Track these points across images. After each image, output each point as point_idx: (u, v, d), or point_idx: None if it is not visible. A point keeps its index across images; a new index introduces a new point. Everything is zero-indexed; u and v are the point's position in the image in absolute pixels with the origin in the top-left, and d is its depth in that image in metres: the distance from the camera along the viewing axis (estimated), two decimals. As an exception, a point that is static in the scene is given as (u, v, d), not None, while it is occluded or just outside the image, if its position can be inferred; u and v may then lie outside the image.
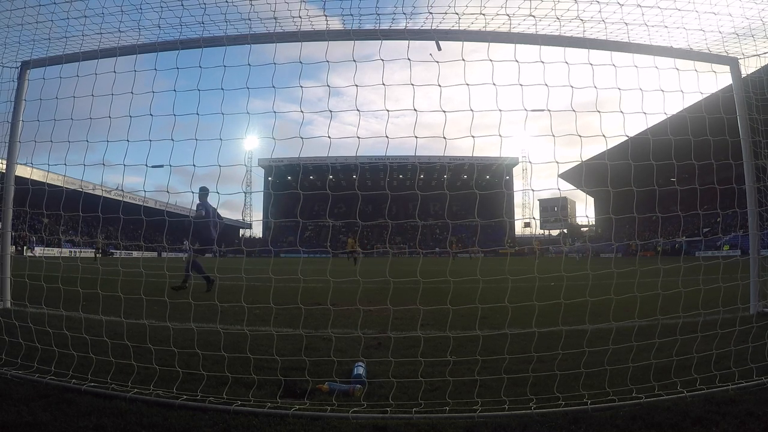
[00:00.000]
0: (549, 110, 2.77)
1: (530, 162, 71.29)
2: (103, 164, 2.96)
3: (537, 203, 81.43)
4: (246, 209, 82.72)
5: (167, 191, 2.94)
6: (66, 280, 3.06)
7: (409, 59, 2.78)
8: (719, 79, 3.52)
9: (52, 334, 2.84)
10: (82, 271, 3.31)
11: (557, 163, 2.77)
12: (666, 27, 3.51)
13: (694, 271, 3.37)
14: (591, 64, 2.86)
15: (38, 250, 31.28)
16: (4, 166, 4.54)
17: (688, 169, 3.28)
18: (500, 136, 2.74)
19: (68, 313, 3.12)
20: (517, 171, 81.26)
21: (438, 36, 3.29)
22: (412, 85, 2.66)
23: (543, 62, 2.76)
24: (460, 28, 3.28)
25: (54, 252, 34.51)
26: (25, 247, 28.48)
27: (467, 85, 2.66)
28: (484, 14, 3.15)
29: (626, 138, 2.83)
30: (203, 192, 7.26)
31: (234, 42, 3.28)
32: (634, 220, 2.94)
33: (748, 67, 4.40)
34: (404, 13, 3.25)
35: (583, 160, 3.13)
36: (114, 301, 3.04)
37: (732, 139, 3.36)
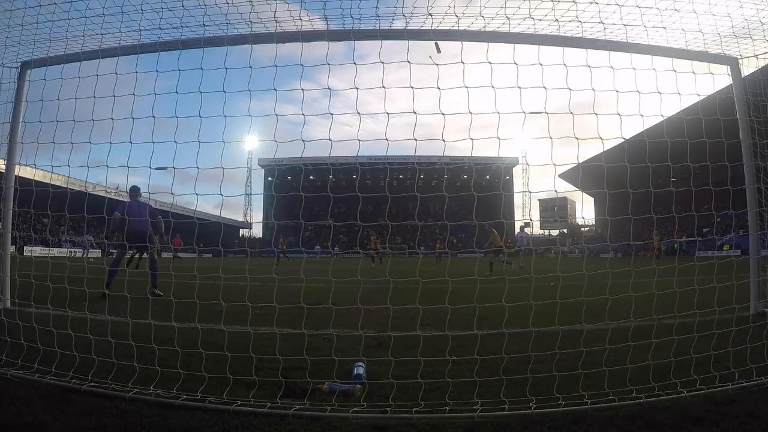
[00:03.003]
0: (547, 113, 2.76)
1: (528, 164, 71.61)
2: (107, 166, 2.98)
3: (537, 203, 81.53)
4: (246, 210, 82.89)
5: (171, 193, 2.95)
6: (68, 279, 3.06)
7: (408, 62, 2.79)
8: (719, 81, 3.53)
9: (53, 333, 2.85)
10: (80, 271, 3.32)
11: (554, 165, 2.77)
12: (665, 28, 3.51)
13: (693, 272, 3.37)
14: (589, 67, 2.87)
15: (38, 250, 31.28)
16: (4, 166, 4.55)
17: (688, 169, 3.29)
18: (498, 138, 2.74)
19: (69, 313, 3.12)
20: (517, 171, 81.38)
21: (437, 36, 3.30)
22: (412, 87, 2.67)
23: (542, 64, 2.77)
24: (460, 28, 3.28)
25: (54, 252, 34.51)
26: (24, 247, 28.43)
27: (466, 87, 2.66)
28: (483, 16, 3.15)
29: (624, 140, 2.84)
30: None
31: (234, 42, 3.29)
32: (634, 220, 2.94)
33: (748, 67, 4.41)
34: (404, 15, 3.25)
35: (581, 161, 3.14)
36: (115, 300, 3.05)
37: (729, 141, 3.36)
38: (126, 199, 7.02)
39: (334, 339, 3.19)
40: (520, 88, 2.67)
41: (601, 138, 2.77)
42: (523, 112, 2.80)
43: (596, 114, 2.82)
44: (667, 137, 3.13)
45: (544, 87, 2.71)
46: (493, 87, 2.68)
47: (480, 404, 2.14)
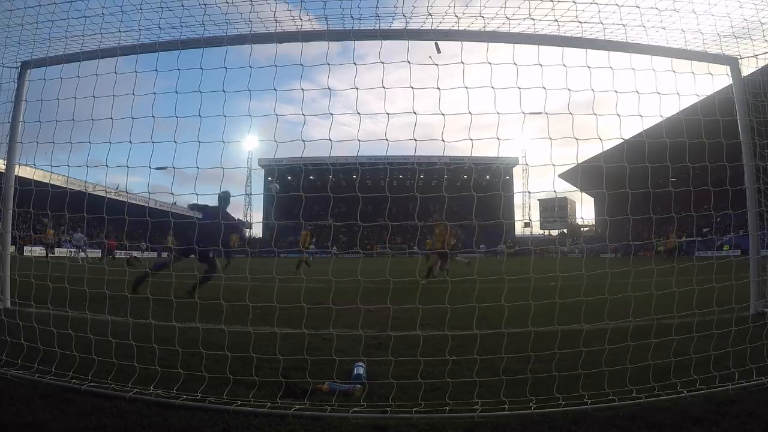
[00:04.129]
0: (546, 113, 2.76)
1: (527, 165, 71.74)
2: (107, 166, 2.97)
3: (537, 203, 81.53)
4: (246, 210, 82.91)
5: (171, 193, 2.95)
6: (69, 279, 3.06)
7: (408, 62, 2.79)
8: (719, 81, 3.53)
9: (53, 333, 2.85)
10: (83, 271, 3.32)
11: (553, 166, 2.78)
12: (665, 29, 3.51)
13: (693, 272, 3.37)
14: (589, 67, 2.87)
15: (38, 250, 31.22)
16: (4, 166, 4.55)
17: (688, 169, 3.29)
18: (498, 138, 2.75)
19: (69, 313, 3.12)
20: (517, 171, 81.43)
21: (437, 36, 3.30)
22: (412, 87, 2.67)
23: (541, 65, 2.77)
24: (459, 28, 3.28)
25: (54, 252, 34.47)
26: (24, 247, 28.32)
27: (466, 88, 2.67)
28: (483, 16, 3.15)
29: (623, 140, 2.85)
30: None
31: (234, 42, 3.29)
32: (634, 220, 2.95)
33: (748, 68, 4.41)
34: (404, 15, 3.25)
35: (580, 162, 3.15)
36: (117, 300, 3.05)
37: (728, 141, 3.37)
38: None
39: (334, 339, 3.19)
40: (519, 88, 2.68)
41: (600, 138, 2.77)
42: (523, 112, 2.81)
43: (595, 114, 2.83)
44: (667, 137, 3.14)
45: (544, 87, 2.71)
46: (492, 87, 2.68)
47: (480, 404, 2.14)
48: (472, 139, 2.74)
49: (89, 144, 3.05)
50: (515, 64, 2.76)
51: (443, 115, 2.67)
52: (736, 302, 3.11)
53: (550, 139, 2.78)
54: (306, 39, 3.22)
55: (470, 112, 2.71)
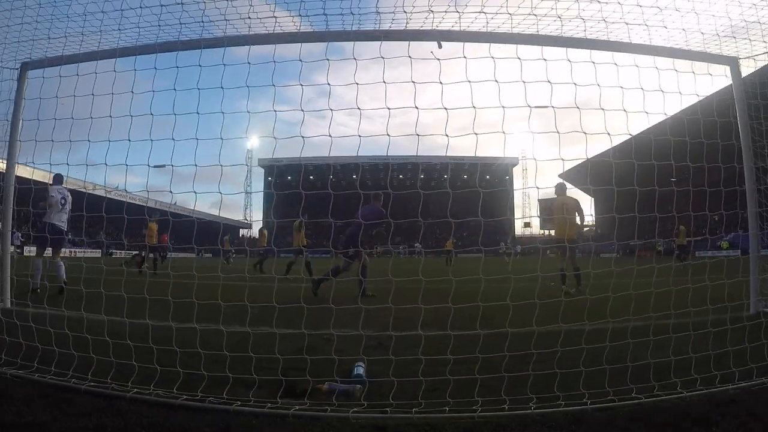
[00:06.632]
0: (554, 107, 2.76)
1: (526, 168, 71.87)
2: (106, 164, 2.97)
3: (536, 203, 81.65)
4: (246, 210, 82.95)
5: (170, 191, 2.94)
6: (69, 279, 3.06)
7: (409, 56, 2.79)
8: (718, 81, 3.53)
9: (53, 333, 2.84)
10: (85, 271, 3.31)
11: (563, 160, 2.78)
12: (666, 28, 3.51)
13: (693, 271, 3.37)
14: (568, 66, 2.87)
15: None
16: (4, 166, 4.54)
17: (686, 169, 3.29)
18: (503, 132, 2.75)
19: (66, 313, 3.12)
20: (517, 171, 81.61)
21: (438, 36, 3.29)
22: (413, 82, 2.68)
23: (520, 59, 2.76)
24: (461, 28, 3.28)
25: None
26: (25, 247, 28.24)
27: (468, 82, 2.68)
28: (485, 12, 3.14)
29: (612, 143, 2.86)
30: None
31: (233, 43, 3.30)
32: (633, 219, 2.95)
33: (748, 68, 4.40)
34: (405, 12, 3.24)
35: (579, 162, 3.16)
36: (116, 300, 3.05)
37: (727, 142, 3.37)
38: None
39: (334, 339, 3.18)
40: (524, 82, 2.68)
41: (587, 133, 2.77)
42: (529, 106, 2.80)
43: (584, 111, 2.83)
44: (667, 137, 3.14)
45: (549, 82, 2.71)
46: (496, 81, 2.69)
47: (480, 404, 2.13)
48: (476, 133, 2.73)
49: (88, 143, 3.06)
50: (519, 58, 2.76)
51: (446, 109, 2.67)
52: (736, 302, 3.11)
53: (558, 132, 2.78)
54: (306, 39, 3.22)
55: (474, 106, 2.71)
